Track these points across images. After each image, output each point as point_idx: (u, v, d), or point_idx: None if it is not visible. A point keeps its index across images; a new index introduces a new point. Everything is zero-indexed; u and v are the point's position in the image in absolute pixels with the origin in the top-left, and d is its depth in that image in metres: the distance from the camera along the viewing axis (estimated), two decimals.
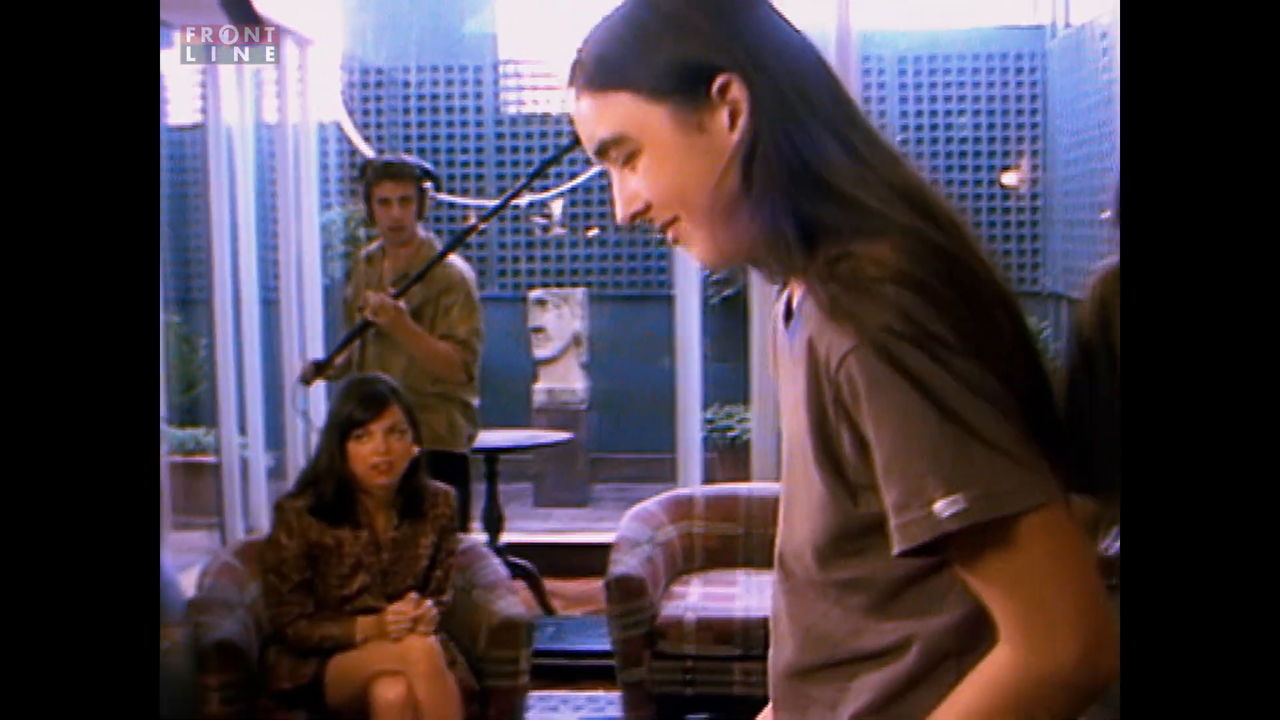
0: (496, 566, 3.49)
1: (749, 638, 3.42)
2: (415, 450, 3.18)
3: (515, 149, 7.58)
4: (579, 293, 7.41)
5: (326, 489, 3.13)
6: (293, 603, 3.12)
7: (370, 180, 4.00)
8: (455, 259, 4.02)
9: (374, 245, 4.20)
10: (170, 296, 5.99)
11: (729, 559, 3.90)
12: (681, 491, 4.22)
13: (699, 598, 3.65)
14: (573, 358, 7.26)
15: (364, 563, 3.13)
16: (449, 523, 3.28)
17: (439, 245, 4.05)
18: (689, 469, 4.82)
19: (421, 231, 4.09)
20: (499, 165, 7.60)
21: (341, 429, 3.14)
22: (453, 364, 3.89)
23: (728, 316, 6.23)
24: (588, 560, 4.85)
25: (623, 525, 3.82)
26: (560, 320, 7.20)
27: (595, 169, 6.21)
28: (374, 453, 3.09)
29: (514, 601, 3.37)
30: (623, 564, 3.54)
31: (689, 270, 4.74)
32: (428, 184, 4.08)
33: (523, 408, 7.24)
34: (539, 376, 7.34)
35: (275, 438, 5.39)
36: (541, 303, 7.32)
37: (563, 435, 5.83)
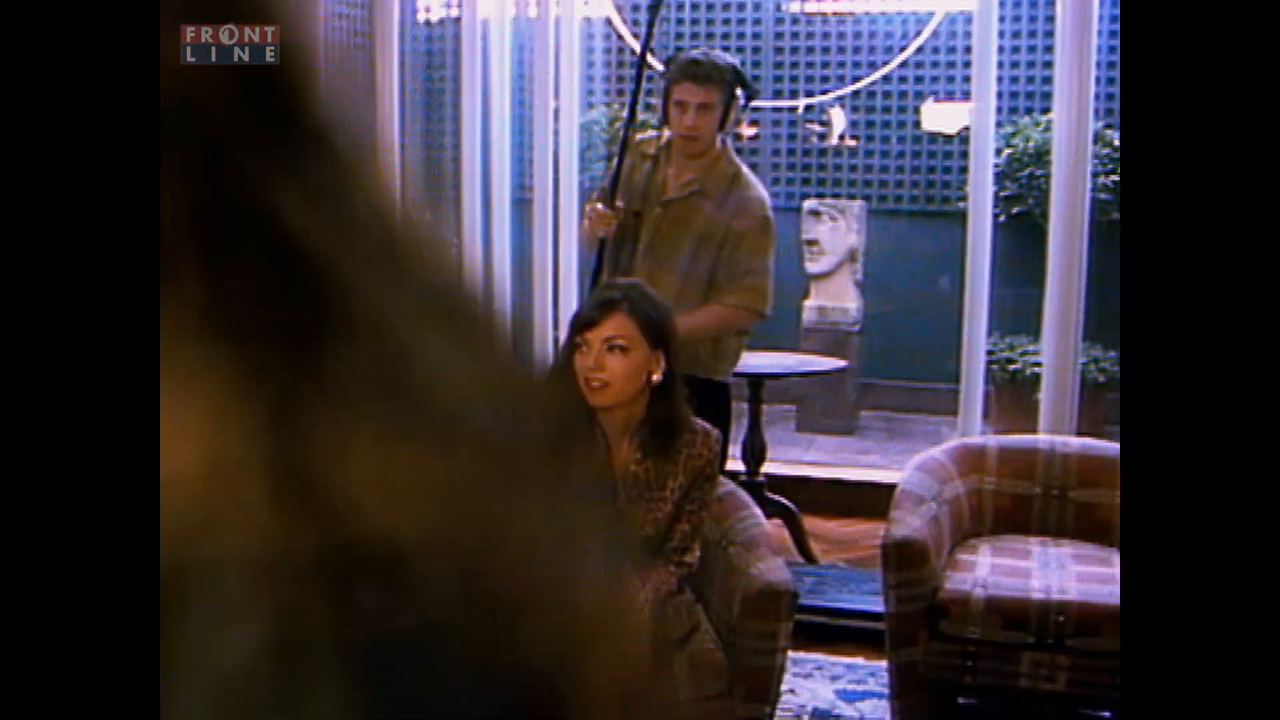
0: (758, 519, 2.96)
1: (1044, 623, 2.93)
2: (656, 374, 2.64)
3: (795, 49, 7.16)
4: (857, 205, 6.46)
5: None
6: None
7: (670, 77, 3.49)
8: (753, 179, 3.58)
9: (665, 139, 3.59)
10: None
11: (1021, 523, 3.41)
12: (972, 440, 3.70)
13: (988, 570, 3.11)
14: (847, 274, 6.42)
15: None
16: (706, 468, 2.71)
17: (741, 164, 3.57)
18: (971, 404, 4.63)
19: (721, 143, 3.54)
20: (777, 66, 6.41)
21: (570, 336, 2.71)
22: (737, 319, 3.54)
23: (1014, 236, 5.85)
24: (852, 499, 5.09)
25: (906, 477, 3.33)
26: (835, 234, 6.38)
27: (877, 73, 6.72)
28: (585, 366, 2.62)
29: (777, 565, 2.78)
30: (904, 525, 3.04)
31: (983, 182, 4.60)
32: (739, 91, 3.49)
33: (791, 325, 6.38)
34: (810, 293, 6.45)
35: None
36: (816, 214, 6.44)
37: (836, 363, 5.26)
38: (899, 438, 6.68)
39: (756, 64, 7.02)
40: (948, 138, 6.99)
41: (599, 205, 3.53)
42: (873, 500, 4.97)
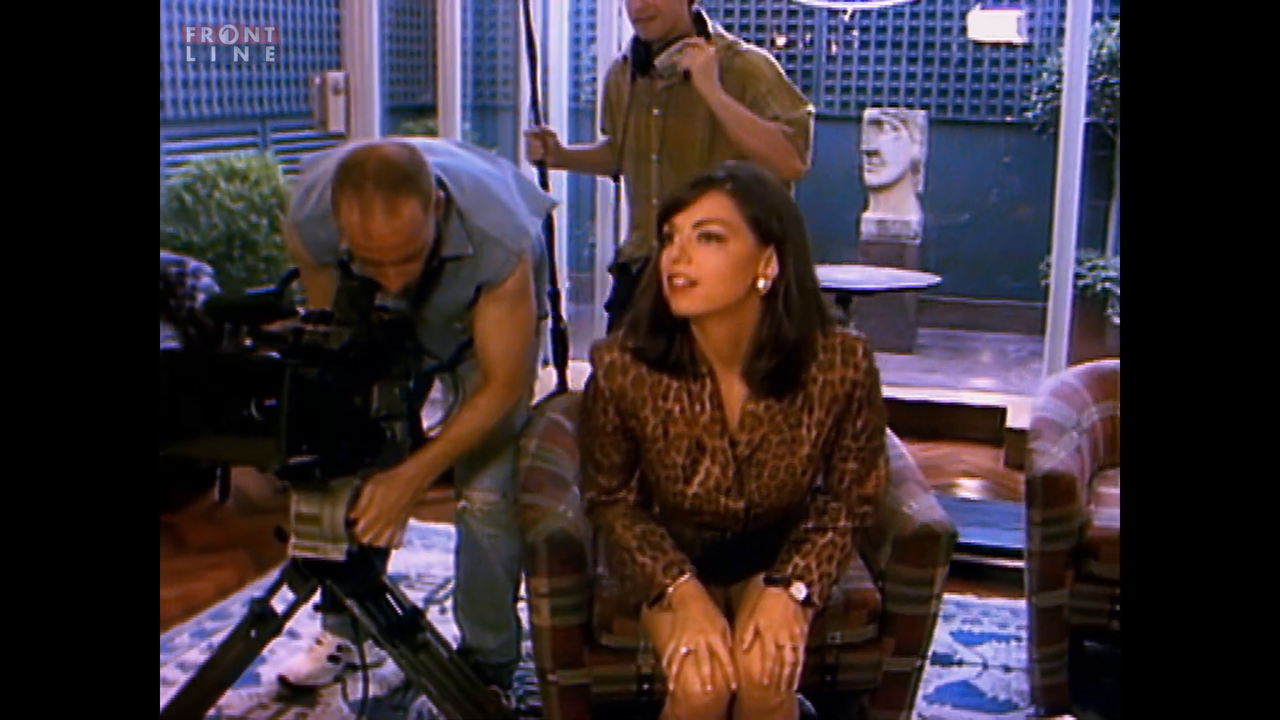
0: (900, 449, 2.58)
1: None
2: (764, 278, 2.00)
3: None
4: (919, 115, 6.28)
5: (642, 321, 2.05)
6: (596, 485, 2.18)
7: None
8: (751, 47, 3.20)
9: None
10: (467, 104, 5.95)
11: None
12: (1104, 363, 3.25)
13: None
14: (908, 186, 6.27)
15: (708, 447, 2.07)
16: (855, 390, 2.09)
17: (726, 36, 3.19)
18: (1059, 323, 4.58)
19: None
20: None
21: (658, 228, 2.03)
22: (778, 143, 3.02)
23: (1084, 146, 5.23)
24: (925, 420, 4.91)
25: (1040, 403, 2.98)
26: (898, 144, 6.22)
27: None
28: (669, 260, 1.97)
29: (930, 502, 2.39)
30: (1049, 456, 2.69)
31: (1076, 92, 4.45)
32: None
33: (849, 239, 6.24)
34: (869, 205, 6.31)
35: (576, 257, 4.95)
36: (878, 124, 6.27)
37: (930, 278, 4.65)
38: (960, 356, 6.52)
39: None
40: (1011, 46, 6.75)
41: (529, 129, 3.47)
42: (946, 422, 5.00)
